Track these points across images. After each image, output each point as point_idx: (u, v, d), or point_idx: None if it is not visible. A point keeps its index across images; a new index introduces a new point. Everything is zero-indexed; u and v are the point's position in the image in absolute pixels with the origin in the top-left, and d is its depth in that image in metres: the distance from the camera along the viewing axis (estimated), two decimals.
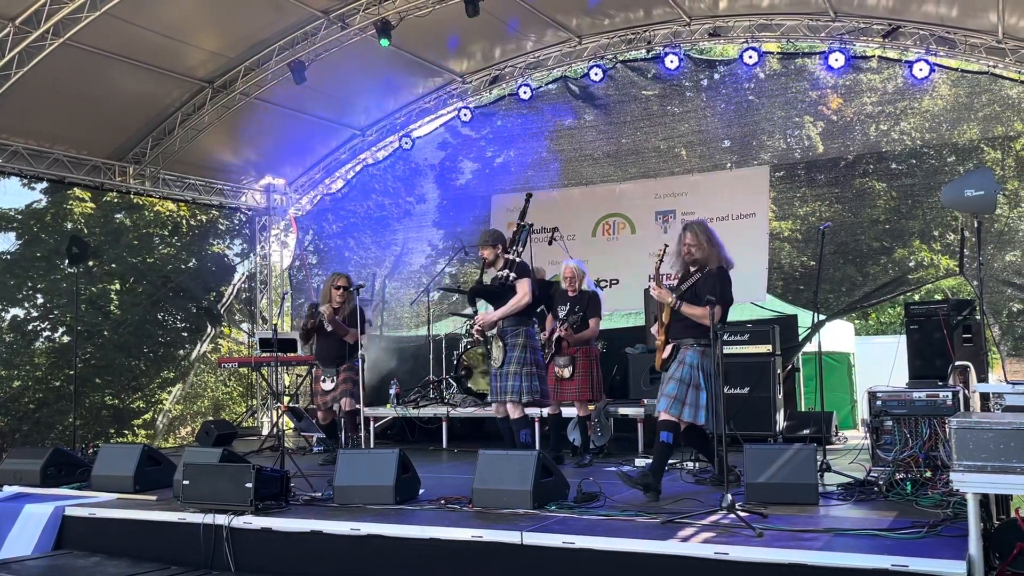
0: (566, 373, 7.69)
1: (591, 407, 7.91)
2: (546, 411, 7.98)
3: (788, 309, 10.26)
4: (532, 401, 6.74)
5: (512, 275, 6.65)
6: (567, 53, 11.48)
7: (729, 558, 4.21)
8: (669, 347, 5.95)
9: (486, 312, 6.81)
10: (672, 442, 5.77)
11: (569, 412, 8.07)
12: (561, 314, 7.71)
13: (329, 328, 7.95)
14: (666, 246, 6.15)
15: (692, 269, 5.99)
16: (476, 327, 6.88)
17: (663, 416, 5.77)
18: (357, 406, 7.80)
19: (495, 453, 5.67)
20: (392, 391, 9.87)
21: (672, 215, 10.89)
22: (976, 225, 7.07)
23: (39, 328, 13.37)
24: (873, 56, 10.11)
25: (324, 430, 8.30)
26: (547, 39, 11.36)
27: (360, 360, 7.72)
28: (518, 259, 6.77)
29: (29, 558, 5.78)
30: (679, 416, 5.69)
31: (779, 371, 8.89)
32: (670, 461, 7.12)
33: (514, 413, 6.64)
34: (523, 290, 6.59)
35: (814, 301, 8.14)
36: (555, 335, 7.64)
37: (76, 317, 11.11)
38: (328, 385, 8.04)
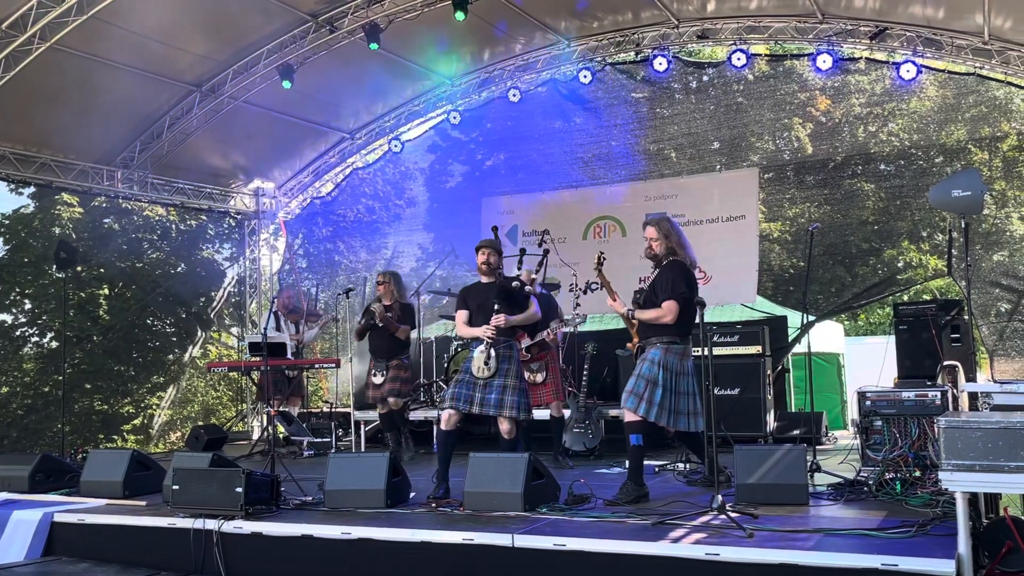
0: (538, 378, 7.80)
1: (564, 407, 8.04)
2: (546, 414, 7.99)
3: (778, 310, 10.29)
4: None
5: (527, 286, 6.57)
6: (556, 56, 11.49)
7: (720, 559, 4.21)
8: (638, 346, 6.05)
9: (503, 315, 6.15)
10: (641, 443, 5.74)
11: (541, 415, 7.96)
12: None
13: (380, 324, 8.51)
14: (601, 253, 6.20)
15: (655, 263, 5.97)
16: (491, 330, 6.14)
17: (626, 415, 5.79)
18: (403, 402, 8.56)
19: (486, 456, 5.67)
20: None
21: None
22: (964, 226, 7.09)
23: (27, 334, 13.27)
24: (861, 58, 10.15)
25: (382, 421, 8.82)
26: (536, 42, 11.36)
27: (408, 358, 8.56)
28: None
29: (18, 564, 5.75)
30: (635, 411, 5.70)
31: (769, 372, 8.92)
32: (662, 462, 7.17)
33: (510, 428, 6.16)
34: (536, 306, 6.41)
35: (803, 302, 8.18)
36: (526, 343, 7.61)
37: (64, 322, 11.04)
38: (378, 379, 8.58)
